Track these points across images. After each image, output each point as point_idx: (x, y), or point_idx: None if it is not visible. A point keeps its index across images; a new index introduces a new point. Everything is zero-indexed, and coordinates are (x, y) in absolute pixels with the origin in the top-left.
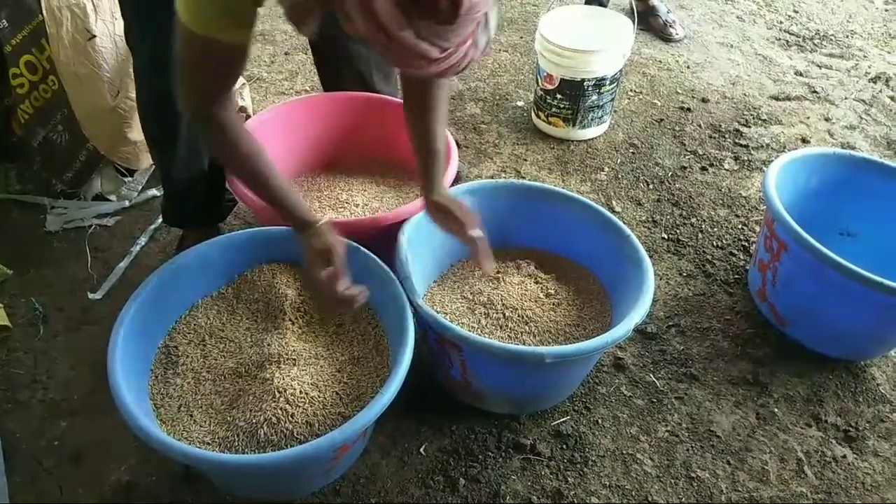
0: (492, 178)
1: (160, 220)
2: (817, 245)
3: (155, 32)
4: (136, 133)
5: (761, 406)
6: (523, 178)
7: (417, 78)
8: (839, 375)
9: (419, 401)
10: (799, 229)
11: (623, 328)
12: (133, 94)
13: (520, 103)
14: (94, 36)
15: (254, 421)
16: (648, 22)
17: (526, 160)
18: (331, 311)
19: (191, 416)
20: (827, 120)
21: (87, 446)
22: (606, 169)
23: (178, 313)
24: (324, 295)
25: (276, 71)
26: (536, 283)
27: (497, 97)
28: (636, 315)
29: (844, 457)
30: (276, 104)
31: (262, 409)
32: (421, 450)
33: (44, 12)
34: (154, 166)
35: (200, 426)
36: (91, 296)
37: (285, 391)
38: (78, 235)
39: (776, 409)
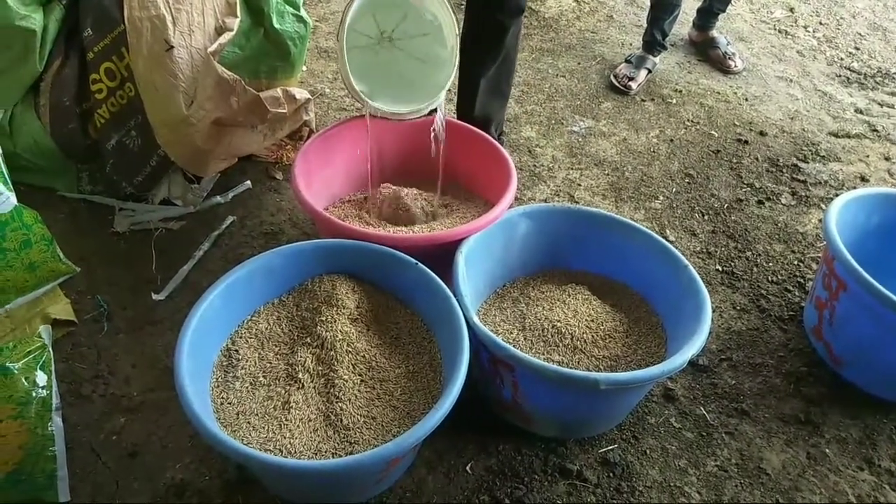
0: (545, 201)
1: (224, 226)
2: (878, 286)
3: None
4: (206, 142)
5: (812, 446)
6: (577, 202)
7: None
8: (894, 419)
9: (467, 418)
10: (860, 269)
11: (679, 359)
12: (207, 107)
13: (575, 128)
14: (172, 47)
15: (309, 427)
16: (707, 53)
17: (580, 185)
18: None
19: (248, 421)
20: (887, 159)
21: (144, 443)
22: (661, 198)
23: (241, 318)
24: None
25: (338, 87)
26: (590, 307)
27: (553, 121)
28: (692, 347)
29: None
30: (338, 120)
31: (318, 415)
32: (467, 468)
33: (126, 22)
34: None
35: (258, 431)
36: (154, 296)
37: (340, 399)
38: (144, 237)
39: (827, 450)
